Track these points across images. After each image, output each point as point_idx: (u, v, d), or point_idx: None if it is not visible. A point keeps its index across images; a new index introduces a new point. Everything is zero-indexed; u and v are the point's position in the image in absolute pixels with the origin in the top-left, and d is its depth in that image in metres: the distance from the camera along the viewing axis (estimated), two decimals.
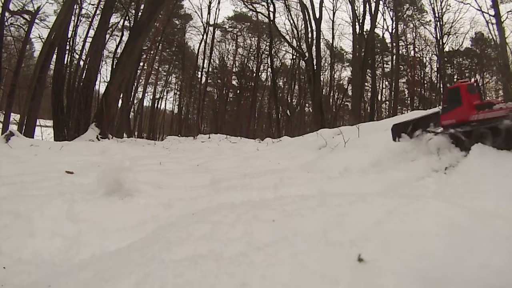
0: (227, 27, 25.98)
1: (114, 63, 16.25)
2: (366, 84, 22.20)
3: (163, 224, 1.94)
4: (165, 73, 26.08)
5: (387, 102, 25.27)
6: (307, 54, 19.13)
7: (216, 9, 27.39)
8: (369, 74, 22.32)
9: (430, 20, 22.34)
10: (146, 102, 25.07)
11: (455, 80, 23.08)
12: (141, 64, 20.96)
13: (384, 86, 25.55)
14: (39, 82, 11.17)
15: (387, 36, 23.58)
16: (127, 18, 18.19)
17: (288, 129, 22.74)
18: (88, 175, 4.09)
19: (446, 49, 22.47)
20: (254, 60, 26.40)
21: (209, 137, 15.71)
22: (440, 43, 21.63)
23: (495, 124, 3.44)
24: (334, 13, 22.19)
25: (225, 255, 1.25)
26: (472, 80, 4.25)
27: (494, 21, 16.84)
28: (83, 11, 16.84)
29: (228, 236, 1.39)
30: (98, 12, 15.70)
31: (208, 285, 1.11)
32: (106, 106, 11.74)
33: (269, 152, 8.22)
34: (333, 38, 23.13)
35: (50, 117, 13.27)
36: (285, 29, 22.77)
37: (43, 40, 12.34)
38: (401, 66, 23.70)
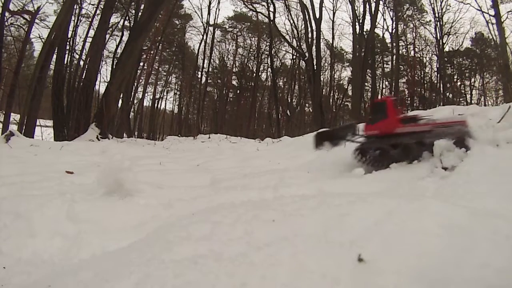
0: (227, 27, 25.98)
1: (114, 63, 16.26)
2: (366, 84, 22.19)
3: (163, 224, 1.94)
4: (165, 73, 26.07)
5: None
6: (307, 54, 19.13)
7: (216, 9, 27.36)
8: (369, 74, 22.31)
9: (430, 20, 22.36)
10: (146, 102, 25.08)
11: (455, 79, 23.12)
12: (141, 64, 20.95)
13: (384, 86, 25.55)
14: (39, 82, 11.17)
15: (387, 36, 23.60)
16: (127, 18, 18.20)
17: (288, 129, 22.72)
18: (88, 175, 4.10)
19: (446, 49, 22.49)
20: (254, 60, 26.38)
21: (209, 137, 15.70)
22: (440, 43, 21.63)
23: (421, 139, 3.74)
24: (334, 13, 22.19)
25: (225, 255, 1.25)
26: (397, 95, 4.53)
27: (494, 21, 16.85)
28: (83, 11, 16.86)
29: (228, 236, 1.39)
30: (98, 12, 15.70)
31: (208, 285, 1.11)
32: (106, 106, 11.74)
33: (269, 152, 8.22)
34: (333, 38, 23.14)
35: (50, 117, 13.27)
36: (285, 29, 22.79)
37: (43, 40, 12.36)
38: (401, 66, 23.69)
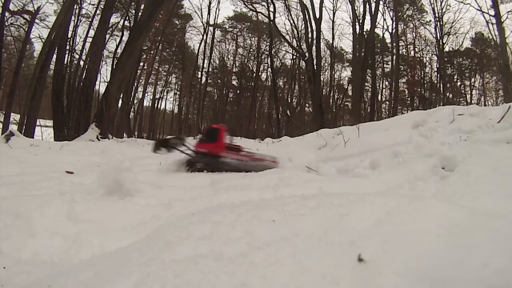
0: (227, 27, 25.97)
1: (114, 63, 16.26)
2: (366, 84, 22.18)
3: (163, 224, 1.93)
4: (165, 73, 26.05)
5: (387, 102, 25.25)
6: (307, 54, 19.12)
7: (216, 9, 27.35)
8: (369, 74, 22.30)
9: (430, 20, 22.36)
10: (146, 102, 25.06)
11: (455, 79, 23.11)
12: (141, 64, 20.94)
13: (384, 86, 25.53)
14: (39, 82, 11.18)
15: (387, 36, 23.59)
16: (127, 18, 18.20)
17: (288, 129, 22.71)
18: (88, 175, 4.10)
19: (446, 49, 22.47)
20: (254, 60, 26.36)
21: None
22: (440, 43, 21.62)
23: (237, 166, 4.74)
24: (334, 13, 22.19)
25: (225, 255, 1.25)
26: (229, 127, 5.58)
27: (494, 21, 16.87)
28: (83, 11, 16.89)
29: (228, 236, 1.39)
30: (98, 12, 15.72)
31: (208, 285, 1.11)
32: (106, 106, 11.75)
33: (269, 152, 8.21)
34: (333, 38, 23.13)
35: (50, 117, 13.27)
36: (285, 29, 22.77)
37: (43, 40, 12.38)
38: (401, 66, 23.66)
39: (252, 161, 4.91)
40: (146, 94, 23.99)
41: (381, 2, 20.02)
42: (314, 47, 18.78)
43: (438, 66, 22.74)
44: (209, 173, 4.76)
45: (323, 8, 19.28)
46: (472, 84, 23.50)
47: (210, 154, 4.89)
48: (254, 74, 26.30)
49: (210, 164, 4.72)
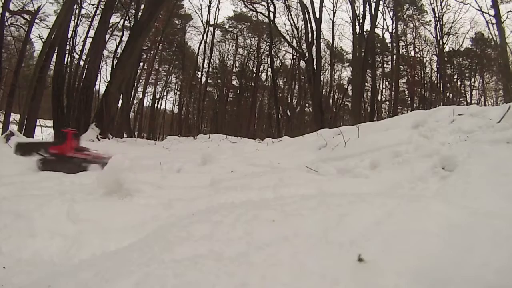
0: (227, 27, 25.96)
1: (114, 63, 16.25)
2: (366, 84, 22.16)
3: (163, 224, 1.94)
4: (165, 73, 26.05)
5: (387, 102, 25.25)
6: (307, 54, 19.11)
7: (216, 9, 27.13)
8: (369, 74, 22.28)
9: (430, 20, 22.34)
10: (146, 102, 25.05)
11: (455, 79, 23.10)
12: (141, 64, 20.94)
13: (384, 86, 25.52)
14: (39, 82, 11.19)
15: (387, 36, 23.56)
16: (127, 18, 18.19)
17: (288, 129, 22.69)
18: (88, 175, 4.10)
19: (446, 49, 22.44)
20: (254, 60, 26.35)
21: (209, 137, 15.67)
22: (440, 43, 21.61)
23: (80, 163, 5.39)
24: (334, 13, 22.16)
25: (225, 255, 1.25)
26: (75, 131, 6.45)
27: (494, 21, 16.86)
28: (83, 11, 16.91)
29: (228, 236, 1.39)
30: (98, 12, 15.73)
31: (208, 285, 1.11)
32: (106, 106, 11.76)
33: (269, 152, 8.20)
34: (333, 38, 23.11)
35: (50, 117, 13.28)
36: (285, 29, 22.73)
37: (43, 40, 12.39)
38: (401, 66, 23.64)
39: (92, 158, 5.78)
40: (146, 94, 24.02)
41: (381, 2, 20.02)
42: (314, 47, 18.78)
43: (438, 66, 22.73)
44: (209, 173, 4.76)
45: (323, 8, 19.29)
46: (472, 84, 23.51)
47: (60, 155, 5.67)
48: (254, 74, 26.30)
49: (58, 162, 5.42)
